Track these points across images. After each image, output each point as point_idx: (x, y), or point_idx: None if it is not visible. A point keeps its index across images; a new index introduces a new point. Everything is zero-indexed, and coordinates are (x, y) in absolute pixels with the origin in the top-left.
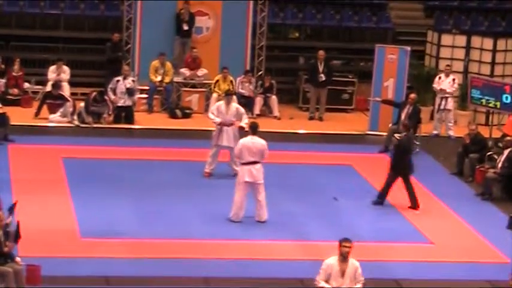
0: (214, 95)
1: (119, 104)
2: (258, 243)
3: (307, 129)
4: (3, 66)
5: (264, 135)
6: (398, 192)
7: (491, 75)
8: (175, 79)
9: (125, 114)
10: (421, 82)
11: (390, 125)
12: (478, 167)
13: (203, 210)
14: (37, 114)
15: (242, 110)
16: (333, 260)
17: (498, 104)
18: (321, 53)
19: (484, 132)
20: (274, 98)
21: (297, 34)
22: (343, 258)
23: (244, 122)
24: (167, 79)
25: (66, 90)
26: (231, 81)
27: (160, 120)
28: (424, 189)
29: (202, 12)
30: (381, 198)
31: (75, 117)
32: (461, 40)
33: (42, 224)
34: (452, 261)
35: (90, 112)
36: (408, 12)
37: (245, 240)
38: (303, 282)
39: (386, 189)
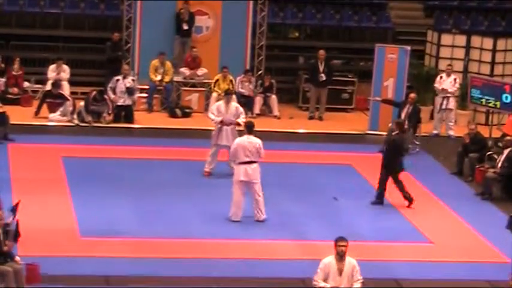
0: (214, 95)
1: (119, 103)
2: (258, 243)
3: (307, 129)
4: (3, 65)
5: (264, 134)
6: (397, 192)
7: (491, 74)
8: (175, 78)
9: (125, 113)
10: (421, 82)
11: (390, 124)
12: (477, 166)
13: (203, 210)
14: (37, 113)
15: (241, 109)
16: (330, 259)
17: (498, 103)
18: (322, 52)
19: (484, 131)
20: (274, 98)
21: (296, 34)
22: (340, 257)
23: (241, 120)
24: (167, 78)
25: (66, 89)
26: (231, 81)
27: (160, 120)
28: (423, 189)
29: (202, 11)
30: (379, 198)
31: (75, 116)
32: (461, 40)
33: (42, 223)
34: (452, 261)
35: (90, 111)
36: (408, 11)
37: (245, 239)
38: (305, 282)
39: (382, 188)
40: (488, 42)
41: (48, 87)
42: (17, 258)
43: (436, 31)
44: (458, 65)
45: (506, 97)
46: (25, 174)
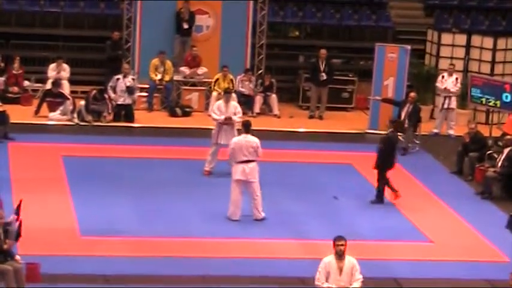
0: (214, 94)
1: (119, 102)
2: (258, 242)
3: (307, 128)
4: (3, 64)
5: (264, 133)
6: (398, 191)
7: (491, 74)
8: (175, 77)
9: (125, 112)
10: (421, 81)
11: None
12: (477, 165)
13: (203, 209)
14: (37, 112)
15: (239, 108)
16: (330, 259)
17: (498, 102)
18: (323, 51)
19: (484, 131)
20: (274, 97)
21: (297, 33)
22: (339, 256)
23: (238, 116)
24: (167, 77)
25: (66, 88)
26: (231, 80)
27: (160, 119)
28: (423, 188)
29: (202, 10)
30: (379, 198)
31: (75, 115)
32: (461, 39)
33: (42, 222)
34: (451, 260)
35: (90, 110)
36: (408, 11)
37: (245, 238)
38: (304, 281)
39: (382, 186)
40: (488, 42)
41: (48, 86)
42: (17, 257)
43: (436, 30)
44: (459, 64)
45: (507, 96)
46: (25, 173)
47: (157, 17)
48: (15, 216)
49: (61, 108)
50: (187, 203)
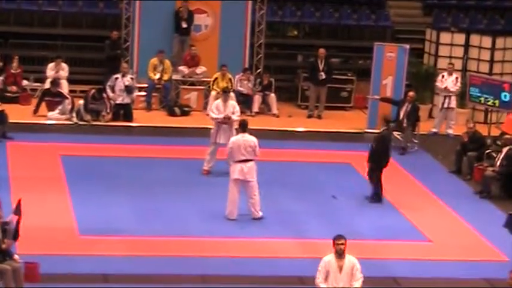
0: (213, 93)
1: (118, 102)
2: (256, 241)
3: (306, 127)
4: (1, 63)
5: (263, 133)
6: (397, 190)
7: (490, 73)
8: (174, 77)
9: (124, 111)
10: (419, 80)
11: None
12: (476, 165)
13: (201, 208)
14: (35, 111)
15: (238, 108)
16: (330, 258)
17: (497, 102)
18: (322, 51)
19: (483, 130)
20: (272, 96)
21: (295, 32)
22: (339, 255)
23: (236, 115)
24: (166, 77)
25: (64, 87)
26: (230, 79)
27: (159, 118)
28: (422, 187)
29: (201, 10)
30: (378, 197)
31: (74, 114)
32: (460, 38)
33: (41, 221)
34: (450, 260)
35: (88, 110)
36: (407, 10)
37: (244, 238)
38: (303, 280)
39: (379, 185)
40: (487, 41)
41: (47, 85)
42: (16, 256)
43: (434, 29)
44: (457, 64)
45: (505, 95)
46: (24, 172)
47: (156, 16)
48: (16, 216)
49: (60, 107)
50: (186, 203)
